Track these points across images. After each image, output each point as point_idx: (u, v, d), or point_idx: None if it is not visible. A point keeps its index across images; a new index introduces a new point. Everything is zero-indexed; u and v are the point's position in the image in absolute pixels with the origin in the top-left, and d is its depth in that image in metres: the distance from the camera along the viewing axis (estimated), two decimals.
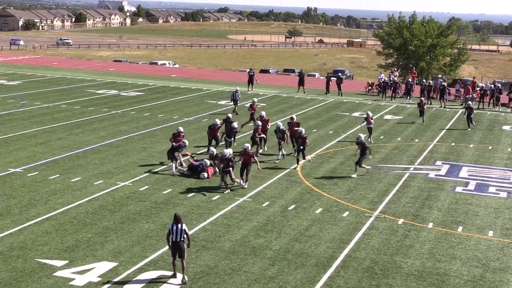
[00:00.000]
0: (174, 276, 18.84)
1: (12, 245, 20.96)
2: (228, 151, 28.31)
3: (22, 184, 27.66)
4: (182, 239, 18.64)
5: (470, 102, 46.98)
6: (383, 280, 19.55)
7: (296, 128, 33.83)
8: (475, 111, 46.67)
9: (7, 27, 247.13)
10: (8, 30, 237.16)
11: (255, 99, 43.66)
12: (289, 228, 23.67)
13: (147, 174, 29.80)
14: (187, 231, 18.75)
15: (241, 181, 28.26)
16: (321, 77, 79.45)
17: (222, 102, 52.97)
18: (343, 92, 60.24)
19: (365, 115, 39.08)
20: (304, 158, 32.32)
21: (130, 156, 33.03)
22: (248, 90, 59.96)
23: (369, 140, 37.73)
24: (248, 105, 43.44)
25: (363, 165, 31.21)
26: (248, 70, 65.37)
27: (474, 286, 19.44)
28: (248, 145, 29.01)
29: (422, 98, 48.96)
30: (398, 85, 60.64)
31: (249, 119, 41.17)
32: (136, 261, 20.10)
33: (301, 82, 61.01)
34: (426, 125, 45.22)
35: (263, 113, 36.92)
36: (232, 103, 48.74)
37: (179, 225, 18.63)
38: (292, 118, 36.33)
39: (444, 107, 54.51)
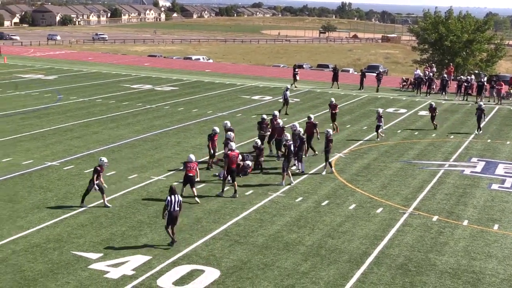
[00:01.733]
0: (172, 242, 20.79)
1: (48, 237, 21.20)
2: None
3: (59, 177, 27.95)
4: (178, 208, 20.50)
5: (481, 103, 43.43)
6: (417, 277, 19.41)
7: (317, 130, 32.94)
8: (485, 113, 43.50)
9: (45, 23, 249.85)
10: (46, 26, 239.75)
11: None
12: (322, 223, 23.61)
13: (181, 169, 29.89)
14: (181, 201, 20.74)
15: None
16: (355, 73, 79.03)
17: (256, 97, 52.97)
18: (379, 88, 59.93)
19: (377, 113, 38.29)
20: (326, 161, 30.16)
21: (164, 151, 33.20)
22: (294, 87, 60.04)
23: (378, 138, 37.67)
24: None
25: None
26: (332, 67, 65.31)
27: (511, 285, 19.21)
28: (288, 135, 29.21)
29: (433, 103, 45.16)
30: (433, 81, 60.06)
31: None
32: (169, 255, 20.19)
33: (335, 78, 60.76)
34: (461, 121, 44.69)
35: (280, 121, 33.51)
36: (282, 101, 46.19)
37: (175, 196, 20.52)
38: (309, 118, 33.78)
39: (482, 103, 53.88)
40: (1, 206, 24.01)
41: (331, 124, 39.29)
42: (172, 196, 20.55)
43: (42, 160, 30.47)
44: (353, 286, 18.61)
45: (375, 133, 37.89)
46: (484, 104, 52.43)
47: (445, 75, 59.63)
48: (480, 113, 41.13)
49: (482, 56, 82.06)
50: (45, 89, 53.09)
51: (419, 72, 62.87)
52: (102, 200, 24.40)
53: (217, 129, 30.23)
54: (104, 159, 24.71)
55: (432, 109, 42.02)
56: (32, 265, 19.08)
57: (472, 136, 40.21)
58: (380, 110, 38.16)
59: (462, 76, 61.58)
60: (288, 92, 45.70)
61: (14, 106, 44.49)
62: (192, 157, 25.29)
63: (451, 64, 73.25)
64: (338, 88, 60.10)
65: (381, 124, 37.59)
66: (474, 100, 54.78)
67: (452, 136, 39.89)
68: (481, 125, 41.76)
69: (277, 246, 21.30)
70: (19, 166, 29.36)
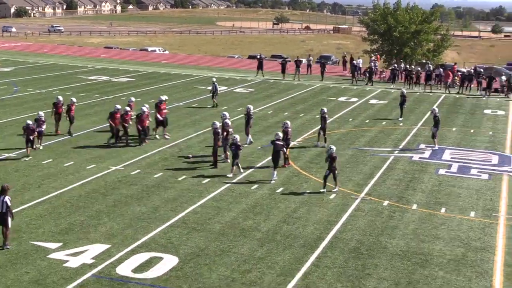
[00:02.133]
0: (5, 245, 19.48)
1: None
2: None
3: (16, 168, 27.58)
4: (5, 210, 19.07)
5: (404, 90, 42.91)
6: (369, 260, 19.67)
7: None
8: (407, 100, 43.30)
9: None
10: (0, 18, 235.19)
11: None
12: (277, 210, 23.74)
13: (139, 158, 29.74)
14: (8, 203, 19.13)
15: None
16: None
17: (210, 87, 52.77)
18: (328, 77, 60.29)
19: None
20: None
21: (122, 141, 32.95)
22: (256, 76, 60.06)
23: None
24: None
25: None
26: (258, 56, 64.95)
27: (457, 265, 19.60)
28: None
29: (404, 90, 43.56)
30: (375, 70, 60.97)
31: None
32: (128, 243, 20.11)
33: (260, 66, 60.67)
34: (410, 110, 45.24)
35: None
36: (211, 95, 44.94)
37: (2, 197, 19.12)
38: (323, 112, 33.41)
39: (430, 92, 54.61)
40: None
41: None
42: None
43: None
44: (308, 270, 18.78)
45: None
46: (431, 92, 53.29)
47: (373, 63, 61.07)
48: (403, 99, 41.62)
49: (429, 46, 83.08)
50: (1, 81, 52.20)
51: (360, 61, 63.55)
52: (63, 189, 24.24)
53: (118, 106, 33.17)
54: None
55: (403, 96, 41.67)
56: None
57: (420, 124, 40.75)
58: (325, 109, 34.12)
59: (401, 65, 62.27)
60: (217, 84, 44.50)
61: None
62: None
63: (377, 54, 75.47)
64: (263, 76, 60.07)
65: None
66: (423, 89, 55.56)
67: (401, 124, 40.37)
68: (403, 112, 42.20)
69: (233, 232, 21.37)
70: None
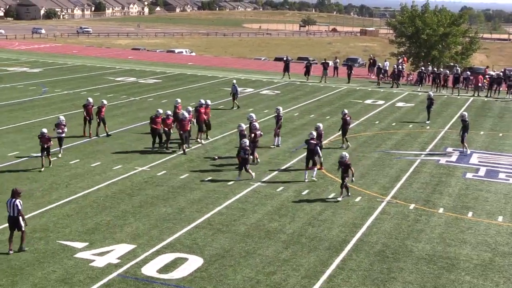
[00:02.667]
0: (9, 251, 19.12)
1: (34, 227, 21.14)
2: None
3: (44, 168, 27.84)
4: (16, 214, 18.84)
5: (431, 93, 42.89)
6: (394, 263, 19.57)
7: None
8: (435, 103, 42.66)
9: (29, 16, 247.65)
10: (30, 19, 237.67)
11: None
12: (302, 212, 23.71)
13: (165, 159, 29.86)
14: (19, 207, 18.87)
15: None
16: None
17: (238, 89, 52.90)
18: (354, 80, 60.13)
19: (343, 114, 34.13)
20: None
21: (148, 142, 33.11)
22: (282, 78, 60.19)
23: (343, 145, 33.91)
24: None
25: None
26: (284, 58, 64.99)
27: (484, 270, 19.42)
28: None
29: (431, 93, 43.70)
30: (401, 73, 60.68)
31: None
32: (153, 243, 20.21)
33: (286, 68, 60.90)
34: (437, 112, 44.95)
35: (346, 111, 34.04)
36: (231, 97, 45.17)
37: (13, 200, 18.87)
38: (344, 113, 33.72)
39: (458, 95, 54.19)
40: None
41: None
42: (10, 200, 19.06)
43: (28, 152, 30.34)
44: (333, 273, 18.74)
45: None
46: (459, 95, 52.89)
47: (400, 66, 60.86)
48: (430, 102, 41.33)
49: (457, 49, 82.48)
50: (30, 82, 52.76)
51: (386, 64, 63.34)
52: (90, 190, 24.43)
53: (160, 110, 32.28)
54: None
55: (430, 99, 41.46)
56: (19, 254, 19.04)
57: (447, 127, 40.45)
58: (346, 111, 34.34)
59: (435, 69, 61.84)
60: (237, 86, 44.65)
61: (0, 99, 44.19)
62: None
63: (404, 56, 74.90)
64: (290, 78, 60.13)
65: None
66: (451, 92, 55.17)
67: (428, 127, 40.12)
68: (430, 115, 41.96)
69: (258, 234, 21.38)
70: (5, 158, 29.23)
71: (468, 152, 33.40)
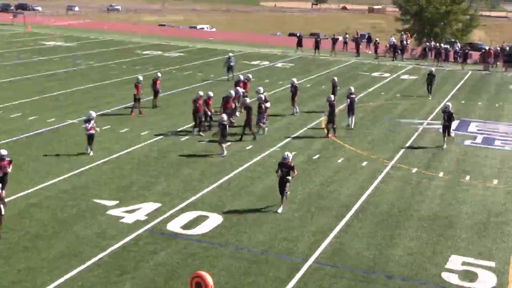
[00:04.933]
0: None
1: (75, 185, 21.33)
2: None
3: (78, 133, 27.96)
4: None
5: (432, 69, 41.26)
6: (398, 222, 19.60)
7: None
8: (435, 78, 40.57)
9: None
10: None
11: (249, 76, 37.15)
12: (313, 175, 23.74)
13: (189, 126, 29.90)
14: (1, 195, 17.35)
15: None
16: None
17: (254, 63, 52.75)
18: (363, 53, 59.71)
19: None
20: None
21: (173, 110, 33.19)
22: (296, 52, 59.97)
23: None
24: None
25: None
26: (298, 34, 64.45)
27: (480, 228, 19.44)
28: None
29: (433, 69, 42.05)
30: (406, 47, 60.16)
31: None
32: (178, 202, 20.35)
33: (299, 43, 60.50)
34: (439, 85, 44.55)
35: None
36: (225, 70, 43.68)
37: None
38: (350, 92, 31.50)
39: (462, 69, 53.61)
40: (34, 158, 24.15)
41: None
42: None
43: (64, 118, 30.48)
44: (341, 230, 18.81)
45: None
46: (463, 69, 52.42)
47: (404, 41, 60.32)
48: (431, 78, 39.96)
49: (458, 26, 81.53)
50: (65, 55, 52.81)
51: (393, 39, 62.68)
52: (121, 153, 24.56)
53: (200, 92, 29.55)
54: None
55: (431, 75, 40.13)
56: (61, 209, 19.28)
57: (447, 98, 40.16)
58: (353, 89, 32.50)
59: (432, 43, 61.15)
60: (232, 59, 43.52)
61: (39, 70, 44.33)
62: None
63: (408, 32, 74.44)
64: (302, 52, 59.75)
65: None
66: (454, 66, 54.69)
67: (430, 98, 39.83)
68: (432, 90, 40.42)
69: (273, 196, 21.42)
70: (44, 124, 29.38)
71: (444, 147, 28.27)
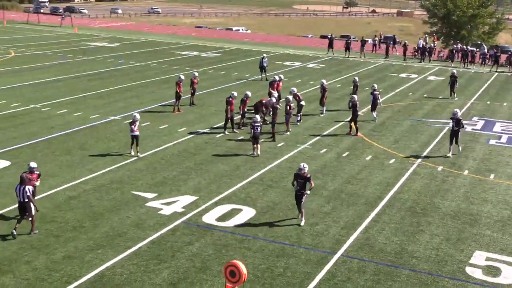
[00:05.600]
0: (13, 231, 16.70)
1: (112, 179, 21.57)
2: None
3: (120, 129, 28.27)
4: (26, 199, 16.54)
5: (454, 71, 40.18)
6: (423, 218, 19.42)
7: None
8: (458, 80, 39.78)
9: None
10: (109, 0, 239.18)
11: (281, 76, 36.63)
12: (342, 172, 23.64)
13: (222, 123, 29.94)
14: (28, 193, 16.56)
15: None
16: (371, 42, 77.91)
17: (287, 63, 52.66)
18: (392, 55, 59.19)
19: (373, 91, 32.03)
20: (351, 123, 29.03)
21: (209, 108, 33.32)
22: (327, 53, 59.67)
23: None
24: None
25: None
26: (329, 36, 64.19)
27: (503, 225, 19.15)
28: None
29: (455, 71, 40.88)
30: (433, 50, 59.37)
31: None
32: (213, 196, 20.44)
33: (330, 45, 60.32)
34: (465, 86, 44.03)
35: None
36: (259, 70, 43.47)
37: (22, 187, 16.56)
38: (374, 89, 31.98)
39: (490, 71, 52.80)
40: (74, 153, 24.45)
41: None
42: (18, 186, 16.72)
43: (106, 115, 30.81)
44: (368, 225, 18.71)
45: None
46: (490, 71, 51.67)
47: (432, 44, 59.49)
48: (453, 80, 39.08)
49: (484, 29, 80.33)
50: (109, 55, 53.36)
51: (421, 41, 61.96)
52: (159, 148, 24.66)
53: (234, 93, 29.18)
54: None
55: (453, 77, 39.20)
56: (99, 202, 19.49)
57: (473, 99, 39.61)
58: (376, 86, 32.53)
59: (464, 46, 60.32)
60: (265, 60, 43.22)
61: (84, 69, 44.88)
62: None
63: (434, 35, 73.74)
64: (333, 54, 59.39)
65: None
66: (478, 68, 53.92)
67: (456, 98, 39.33)
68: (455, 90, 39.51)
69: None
70: (87, 120, 29.76)
71: (449, 154, 26.38)
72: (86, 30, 75.94)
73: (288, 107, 28.53)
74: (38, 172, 18.38)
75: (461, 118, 26.34)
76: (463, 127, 26.47)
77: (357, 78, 36.56)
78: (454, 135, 26.17)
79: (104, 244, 16.63)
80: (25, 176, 16.81)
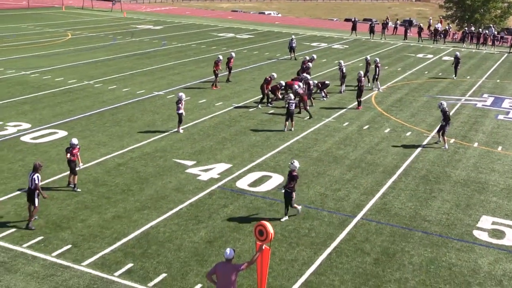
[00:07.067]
0: (28, 225, 15.16)
1: (156, 148, 21.74)
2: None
3: (163, 103, 28.39)
4: (33, 187, 14.97)
5: (457, 53, 38.19)
6: (436, 185, 19.22)
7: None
8: (461, 61, 38.16)
9: None
10: None
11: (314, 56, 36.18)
12: (363, 143, 23.45)
13: (255, 98, 29.90)
14: (36, 181, 14.92)
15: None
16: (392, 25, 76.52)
17: (314, 44, 52.09)
18: (410, 37, 58.08)
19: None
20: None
21: (243, 85, 33.22)
22: (351, 35, 58.97)
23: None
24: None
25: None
26: (352, 19, 63.31)
27: (508, 193, 18.86)
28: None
29: (458, 53, 38.50)
30: (448, 32, 58.02)
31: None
32: (245, 164, 20.48)
33: (354, 27, 59.26)
34: (477, 65, 43.11)
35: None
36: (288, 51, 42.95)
37: (32, 174, 15.04)
38: (376, 61, 32.36)
39: (499, 51, 51.56)
40: (123, 124, 24.66)
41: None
42: (30, 173, 15.22)
43: (151, 90, 30.95)
44: (386, 191, 18.59)
45: None
46: (497, 52, 50.46)
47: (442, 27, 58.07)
48: (456, 61, 37.50)
49: (496, 12, 78.19)
50: (154, 37, 53.38)
51: (439, 25, 60.56)
52: (198, 121, 24.69)
53: (274, 74, 29.35)
54: None
55: (456, 58, 37.96)
56: (145, 168, 19.68)
57: (484, 77, 38.77)
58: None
59: (472, 28, 58.83)
60: (294, 41, 42.69)
61: (131, 49, 45.01)
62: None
63: (441, 17, 72.04)
64: (356, 35, 58.45)
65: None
66: (490, 49, 52.67)
67: (468, 77, 38.54)
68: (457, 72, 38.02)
69: (328, 159, 21.33)
70: (134, 95, 29.93)
71: (446, 147, 23.20)
72: (134, 14, 75.95)
73: (308, 85, 28.33)
74: (78, 146, 17.56)
75: (447, 110, 23.25)
76: (449, 120, 23.22)
77: (368, 57, 35.97)
78: (442, 127, 23.25)
79: (149, 205, 16.84)
80: (38, 164, 15.09)
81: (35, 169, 15.06)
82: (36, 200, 15.08)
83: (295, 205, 16.36)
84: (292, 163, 16.16)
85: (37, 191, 14.99)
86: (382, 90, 32.73)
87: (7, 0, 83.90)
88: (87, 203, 16.82)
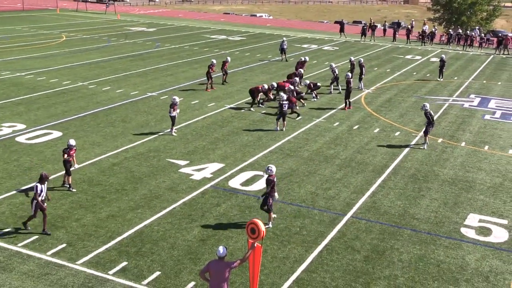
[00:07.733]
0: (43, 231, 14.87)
1: (150, 148, 21.68)
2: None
3: (157, 104, 28.32)
4: (44, 198, 14.70)
5: (443, 56, 37.13)
6: (424, 184, 19.28)
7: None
8: (446, 64, 37.65)
9: None
10: None
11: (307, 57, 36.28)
12: (353, 142, 23.48)
13: (247, 99, 29.88)
14: (34, 190, 14.54)
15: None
16: (380, 27, 76.70)
17: (304, 46, 52.12)
18: (399, 39, 58.28)
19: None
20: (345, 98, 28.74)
21: (235, 86, 33.19)
22: (340, 37, 59.21)
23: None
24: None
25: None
26: (342, 21, 63.35)
27: (495, 191, 18.94)
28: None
29: (443, 56, 37.49)
30: (434, 35, 58.23)
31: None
32: (238, 163, 20.45)
33: (342, 29, 59.69)
34: (464, 67, 43.31)
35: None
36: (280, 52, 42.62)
37: (36, 183, 14.65)
38: (360, 61, 33.97)
39: (499, 53, 51.72)
40: (116, 125, 24.57)
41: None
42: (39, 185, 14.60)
43: (144, 91, 30.86)
44: (375, 190, 18.62)
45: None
46: (483, 53, 50.68)
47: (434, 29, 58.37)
48: (442, 63, 37.01)
49: (482, 15, 78.59)
50: (147, 39, 53.24)
51: (427, 27, 60.75)
52: (191, 121, 24.63)
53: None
54: None
55: (442, 61, 37.56)
56: (138, 168, 19.62)
57: (471, 78, 38.94)
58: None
59: (459, 31, 59.09)
60: (285, 43, 42.62)
61: (125, 51, 44.87)
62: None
63: (424, 20, 72.13)
64: (346, 37, 58.64)
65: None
66: (476, 51, 52.90)
67: (455, 78, 38.71)
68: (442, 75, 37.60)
69: (318, 159, 21.35)
70: (128, 96, 29.84)
71: (426, 148, 23.08)
72: (127, 17, 75.72)
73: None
74: (75, 148, 17.62)
75: (430, 112, 23.16)
76: (432, 122, 23.14)
77: (352, 58, 36.05)
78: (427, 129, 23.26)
79: (143, 204, 16.79)
80: (44, 175, 14.58)
81: (40, 179, 14.57)
82: (32, 209, 14.57)
83: (271, 213, 15.62)
84: (268, 169, 15.45)
85: (35, 200, 14.50)
86: (372, 91, 32.77)
87: (2, 3, 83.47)
88: (81, 203, 16.75)
